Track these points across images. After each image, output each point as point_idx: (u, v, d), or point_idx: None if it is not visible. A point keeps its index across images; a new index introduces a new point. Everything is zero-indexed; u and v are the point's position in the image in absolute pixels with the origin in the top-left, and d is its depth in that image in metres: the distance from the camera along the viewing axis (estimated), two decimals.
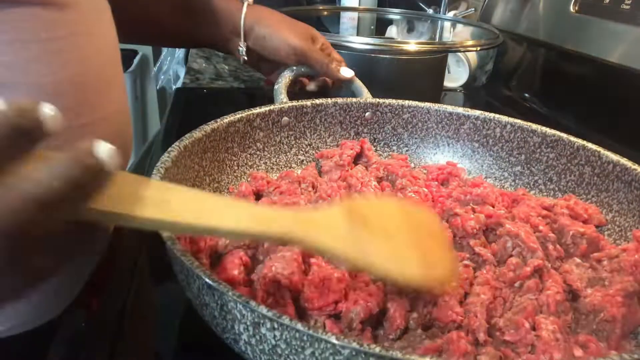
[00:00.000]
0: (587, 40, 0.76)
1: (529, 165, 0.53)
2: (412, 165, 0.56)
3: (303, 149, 0.56)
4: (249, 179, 0.50)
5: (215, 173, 0.47)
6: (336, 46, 0.68)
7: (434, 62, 0.78)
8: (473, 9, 1.09)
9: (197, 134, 0.44)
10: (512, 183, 0.54)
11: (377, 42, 0.74)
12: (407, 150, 0.58)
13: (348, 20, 1.10)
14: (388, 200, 0.38)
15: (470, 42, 0.84)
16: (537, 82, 0.93)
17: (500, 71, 1.03)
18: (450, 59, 0.99)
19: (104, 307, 0.42)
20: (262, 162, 0.52)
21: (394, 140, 0.59)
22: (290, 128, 0.54)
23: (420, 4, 1.08)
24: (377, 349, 0.23)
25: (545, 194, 0.51)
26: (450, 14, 1.07)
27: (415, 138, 0.58)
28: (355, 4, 1.11)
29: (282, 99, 0.56)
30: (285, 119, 0.53)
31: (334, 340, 0.23)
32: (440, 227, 0.38)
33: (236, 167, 0.50)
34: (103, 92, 0.37)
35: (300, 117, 0.54)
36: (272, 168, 0.53)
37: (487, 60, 1.04)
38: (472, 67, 0.99)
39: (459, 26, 1.06)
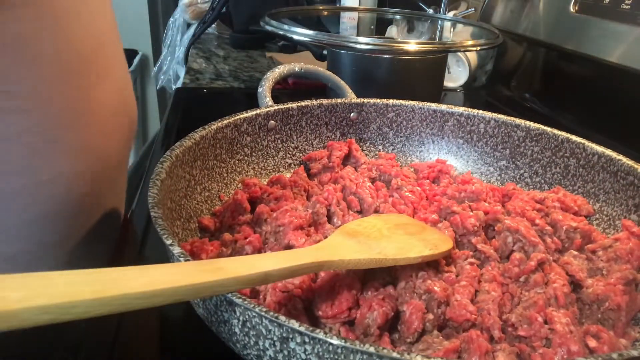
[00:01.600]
0: (587, 40, 0.76)
1: (514, 160, 0.54)
2: (399, 163, 0.57)
3: (290, 152, 0.55)
4: (239, 186, 0.48)
5: (206, 181, 0.46)
6: (336, 46, 0.67)
7: (434, 62, 0.78)
8: (473, 9, 1.09)
9: (187, 142, 0.42)
10: (498, 177, 0.55)
11: (377, 42, 0.73)
12: (393, 149, 0.59)
13: (348, 20, 1.10)
14: (367, 218, 0.42)
15: (470, 42, 0.84)
16: (537, 82, 0.93)
17: (500, 71, 1.03)
18: (450, 59, 0.99)
19: None
20: (250, 167, 0.51)
21: (379, 140, 0.58)
22: (276, 131, 0.53)
23: (420, 4, 1.08)
24: (419, 358, 0.22)
25: (531, 187, 0.52)
26: (450, 14, 1.07)
27: (401, 137, 0.58)
28: (355, 4, 1.10)
29: (267, 102, 0.55)
30: (272, 122, 0.52)
31: (372, 350, 0.23)
32: (412, 219, 0.43)
33: (225, 174, 0.48)
34: (104, 61, 0.39)
35: (286, 120, 0.54)
36: (260, 173, 0.52)
37: (487, 60, 1.04)
38: (472, 67, 0.99)
39: (459, 26, 1.06)
